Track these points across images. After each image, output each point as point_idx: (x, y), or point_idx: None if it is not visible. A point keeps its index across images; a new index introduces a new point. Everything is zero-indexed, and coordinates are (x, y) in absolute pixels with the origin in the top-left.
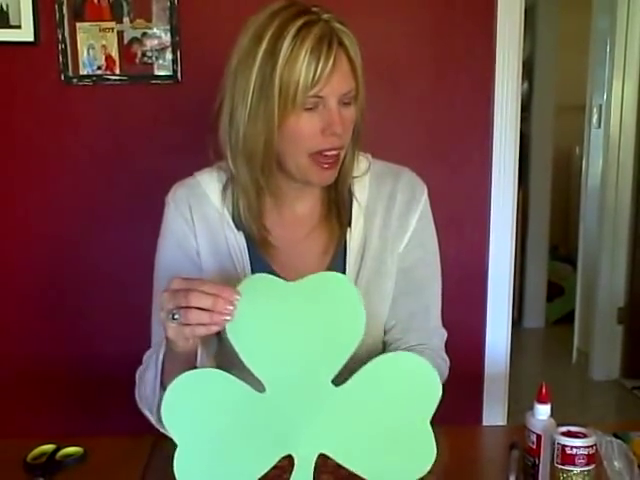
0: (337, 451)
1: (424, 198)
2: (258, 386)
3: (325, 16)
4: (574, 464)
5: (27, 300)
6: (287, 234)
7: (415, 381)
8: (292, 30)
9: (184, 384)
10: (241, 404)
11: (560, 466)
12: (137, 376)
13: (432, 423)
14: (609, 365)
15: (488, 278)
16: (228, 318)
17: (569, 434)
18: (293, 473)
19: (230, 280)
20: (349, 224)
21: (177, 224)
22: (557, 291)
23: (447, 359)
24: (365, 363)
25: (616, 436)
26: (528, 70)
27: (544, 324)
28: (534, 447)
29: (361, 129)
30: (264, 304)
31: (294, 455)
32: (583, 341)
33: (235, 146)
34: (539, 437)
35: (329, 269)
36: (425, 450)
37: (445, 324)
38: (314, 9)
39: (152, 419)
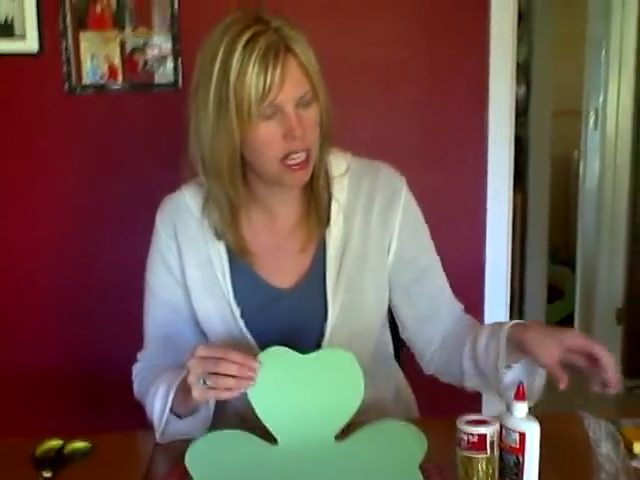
0: None
1: (404, 190)
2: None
3: (275, 24)
4: (477, 450)
5: (36, 305)
6: (266, 238)
7: (403, 445)
8: (240, 45)
9: (207, 443)
10: (257, 456)
11: (464, 452)
12: (136, 381)
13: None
14: None
15: (485, 281)
16: (251, 383)
17: (474, 423)
18: None
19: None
20: (328, 223)
21: (162, 241)
22: (557, 294)
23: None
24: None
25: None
26: (525, 74)
27: None
28: (517, 446)
29: (329, 125)
30: (280, 372)
31: None
32: None
33: (203, 162)
34: (522, 435)
35: (310, 269)
36: None
37: None
38: (265, 17)
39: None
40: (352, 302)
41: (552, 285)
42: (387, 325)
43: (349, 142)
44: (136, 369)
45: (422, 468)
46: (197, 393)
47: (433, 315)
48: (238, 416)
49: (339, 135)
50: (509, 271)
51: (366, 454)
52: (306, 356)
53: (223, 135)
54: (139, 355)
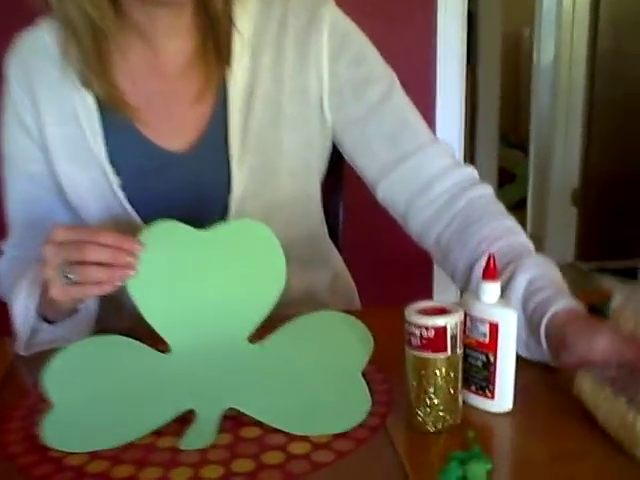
0: (251, 406)
1: (328, 10)
2: None
3: None
4: (434, 349)
5: None
6: (149, 84)
7: (346, 337)
8: None
9: (70, 355)
10: (140, 367)
11: (416, 352)
12: None
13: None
14: (564, 248)
15: None
16: (131, 273)
17: (428, 312)
18: (191, 425)
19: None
20: (230, 61)
21: (15, 93)
22: (508, 177)
23: (484, 187)
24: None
25: (593, 309)
26: None
27: None
28: (486, 341)
29: None
30: (170, 255)
31: (195, 410)
32: (537, 226)
33: None
34: (494, 327)
35: (209, 123)
36: (358, 402)
37: None
38: None
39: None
40: (265, 165)
41: (503, 168)
42: (319, 195)
43: None
44: None
45: (362, 374)
46: (56, 291)
47: (398, 162)
48: (134, 317)
49: None
50: (462, 155)
51: (291, 358)
52: (204, 232)
53: None
54: (2, 245)
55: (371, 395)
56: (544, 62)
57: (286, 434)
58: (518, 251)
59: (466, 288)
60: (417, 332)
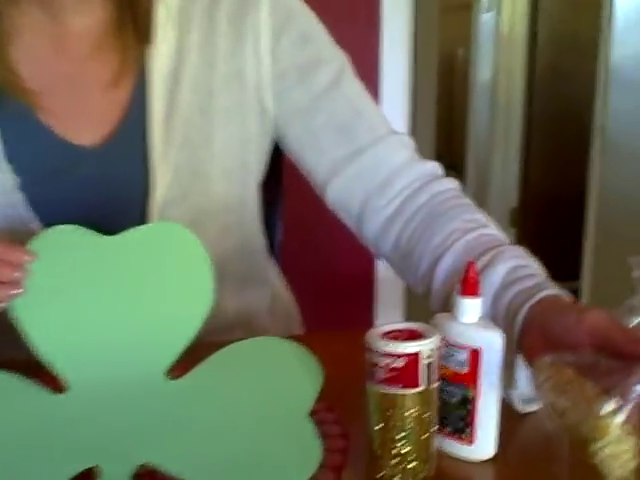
0: (170, 461)
1: None
2: None
3: None
4: (404, 382)
5: None
6: (53, 66)
7: (289, 369)
8: None
9: None
10: (29, 412)
11: (382, 388)
12: None
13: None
14: None
15: None
16: (16, 292)
17: (396, 336)
18: None
19: None
20: (151, 39)
21: None
22: None
23: (449, 180)
24: None
25: None
26: None
27: None
28: (464, 371)
29: None
30: (69, 268)
31: (100, 468)
32: None
33: None
34: (475, 354)
35: (126, 113)
36: (306, 452)
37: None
38: None
39: None
40: (193, 164)
41: None
42: (256, 201)
43: None
44: None
45: (310, 414)
46: None
47: (357, 153)
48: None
49: None
50: None
51: (221, 397)
52: (112, 238)
53: None
54: None
55: (322, 442)
56: (481, 81)
57: None
58: (494, 242)
59: (429, 293)
60: (382, 362)
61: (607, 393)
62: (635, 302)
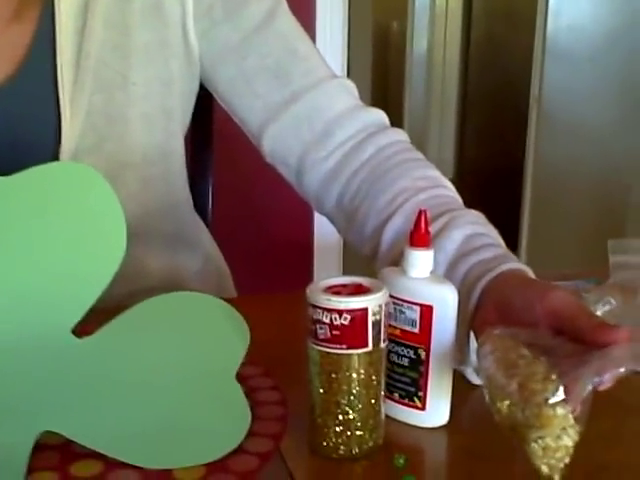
0: (79, 429)
1: None
2: None
3: None
4: (349, 342)
5: None
6: None
7: (211, 327)
8: None
9: None
10: None
11: (325, 347)
12: None
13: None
14: None
15: None
16: None
17: (339, 290)
18: None
19: None
20: None
21: None
22: None
23: (397, 132)
24: None
25: None
26: None
27: None
28: (415, 331)
29: None
30: None
31: None
32: None
33: None
34: (427, 311)
35: (31, 50)
36: (232, 418)
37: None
38: None
39: None
40: (108, 108)
41: None
42: (182, 154)
43: None
44: None
45: (239, 375)
46: None
47: (293, 98)
48: None
49: None
50: None
51: (136, 357)
52: (5, 180)
53: None
54: None
55: (258, 408)
56: (416, 54)
57: (139, 469)
58: (449, 204)
59: (375, 257)
60: (326, 319)
61: (558, 380)
62: (606, 288)
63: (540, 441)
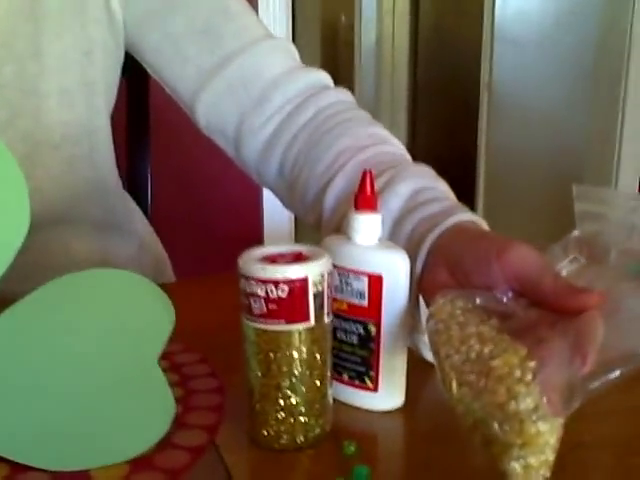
0: None
1: None
2: None
3: None
4: (288, 316)
5: None
6: None
7: (131, 306)
8: None
9: None
10: None
11: (260, 324)
12: None
13: None
14: None
15: None
16: None
17: (276, 259)
18: None
19: None
20: None
21: None
22: None
23: (341, 91)
24: None
25: None
26: None
27: None
28: (364, 304)
29: None
30: None
31: None
32: None
33: None
34: (376, 281)
35: None
36: (158, 405)
37: None
38: None
39: None
40: (20, 80)
41: None
42: (109, 133)
43: None
44: None
45: (172, 363)
46: None
47: (226, 60)
48: None
49: None
50: None
51: (45, 339)
52: None
53: None
54: None
55: (191, 398)
56: (365, 47)
57: (50, 473)
58: (395, 161)
59: (319, 224)
60: (261, 291)
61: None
62: (572, 241)
63: (522, 460)
